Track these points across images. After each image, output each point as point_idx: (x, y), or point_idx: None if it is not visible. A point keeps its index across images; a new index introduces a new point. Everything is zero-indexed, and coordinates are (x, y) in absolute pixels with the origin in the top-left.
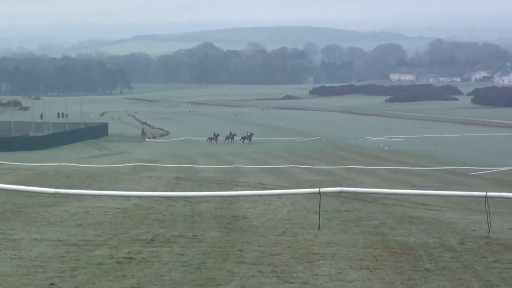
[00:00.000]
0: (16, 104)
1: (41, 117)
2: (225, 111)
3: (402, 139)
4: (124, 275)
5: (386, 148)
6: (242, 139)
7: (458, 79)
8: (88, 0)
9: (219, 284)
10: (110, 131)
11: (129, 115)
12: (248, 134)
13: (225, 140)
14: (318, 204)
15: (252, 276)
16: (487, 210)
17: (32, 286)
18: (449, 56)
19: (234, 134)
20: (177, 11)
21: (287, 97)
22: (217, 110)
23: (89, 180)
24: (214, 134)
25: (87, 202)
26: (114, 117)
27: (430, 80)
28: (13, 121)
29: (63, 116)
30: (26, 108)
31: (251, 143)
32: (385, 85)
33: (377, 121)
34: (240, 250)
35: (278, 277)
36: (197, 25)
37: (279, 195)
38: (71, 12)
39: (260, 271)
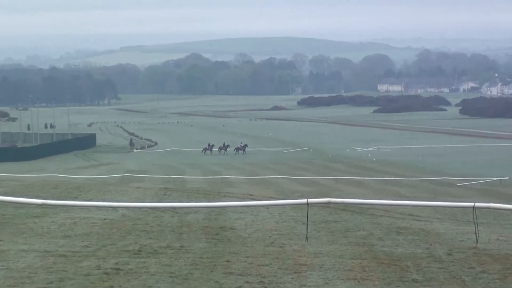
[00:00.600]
0: (4, 115)
1: (28, 128)
2: (213, 121)
3: (390, 150)
4: (112, 286)
5: (374, 159)
6: (235, 150)
7: (446, 90)
8: (76, 11)
9: None
10: (98, 141)
11: (117, 125)
12: (242, 145)
13: (219, 150)
14: (306, 215)
15: (240, 287)
16: (475, 220)
17: None
18: (437, 66)
19: (228, 145)
20: (165, 22)
21: (275, 107)
22: (205, 120)
23: (77, 191)
24: (209, 145)
25: (75, 213)
26: (102, 127)
27: (418, 90)
28: (0, 132)
29: (50, 127)
30: (13, 119)
31: (245, 153)
32: (373, 96)
33: (365, 131)
34: (227, 261)
35: (265, 287)
36: (185, 36)
37: (267, 206)
38: (59, 22)
39: (247, 282)
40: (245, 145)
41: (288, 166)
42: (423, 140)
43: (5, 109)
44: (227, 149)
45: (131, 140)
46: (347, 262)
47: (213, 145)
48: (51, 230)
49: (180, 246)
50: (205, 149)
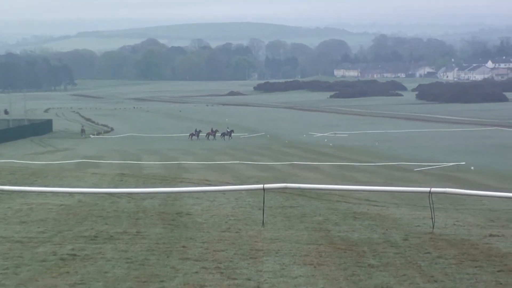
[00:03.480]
0: None
1: None
2: (169, 107)
3: (346, 135)
4: (68, 272)
5: (330, 144)
6: (222, 135)
7: (403, 75)
8: None
9: (162, 281)
10: (54, 127)
11: (73, 111)
12: (228, 131)
13: (207, 136)
14: (262, 200)
15: (196, 272)
16: (431, 206)
17: None
18: (394, 52)
19: (216, 131)
20: (121, 7)
21: (232, 93)
22: (162, 106)
23: (33, 177)
24: (196, 130)
25: (31, 199)
26: (58, 113)
27: (375, 76)
28: None
29: (5, 113)
30: None
31: (231, 138)
32: (330, 81)
33: (322, 117)
34: (184, 247)
35: (221, 273)
36: (141, 21)
37: (223, 192)
38: (15, 8)
39: (203, 268)
40: (231, 131)
41: (245, 151)
42: (379, 125)
43: None
44: (216, 134)
45: (82, 127)
46: (304, 247)
47: (200, 131)
48: (7, 216)
49: (137, 232)
50: (192, 135)
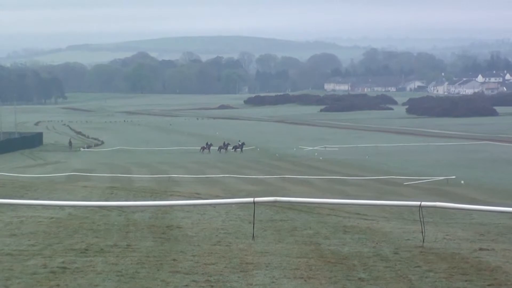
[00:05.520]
0: None
1: None
2: (160, 120)
3: (336, 149)
4: (58, 285)
5: (320, 158)
6: (234, 148)
7: (393, 89)
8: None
9: None
10: (44, 140)
11: (64, 124)
12: (240, 143)
13: (219, 150)
14: (253, 214)
15: (186, 285)
16: (422, 219)
17: None
18: (384, 65)
19: (228, 144)
20: (112, 21)
21: (222, 106)
22: (152, 119)
23: (23, 189)
24: (207, 144)
25: (21, 211)
26: (49, 126)
27: (365, 89)
28: None
29: None
30: None
31: (242, 151)
32: (320, 95)
33: (312, 130)
34: (174, 260)
35: (212, 286)
36: (132, 34)
37: (213, 205)
38: (6, 21)
39: (194, 281)
40: (243, 143)
41: (235, 165)
42: (369, 139)
43: None
44: (227, 148)
45: (70, 140)
46: (294, 261)
47: (211, 144)
48: None
49: (127, 245)
50: (203, 148)
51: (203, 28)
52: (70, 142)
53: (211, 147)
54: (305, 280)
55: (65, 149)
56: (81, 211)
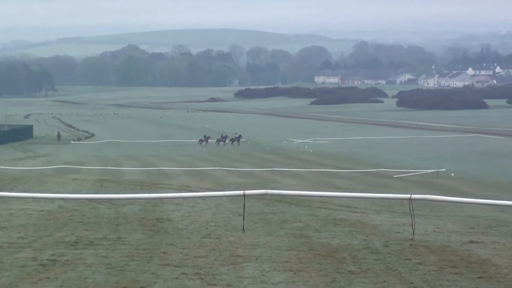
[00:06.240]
0: None
1: None
2: (150, 113)
3: (327, 142)
4: (48, 278)
5: (311, 151)
6: (231, 141)
7: (383, 82)
8: (13, 1)
9: (143, 287)
10: (34, 133)
11: (54, 117)
12: (237, 136)
13: (217, 142)
14: (243, 207)
15: (176, 278)
16: (412, 212)
17: None
18: (374, 58)
19: (226, 136)
20: (102, 13)
21: (212, 99)
22: (142, 112)
23: (13, 182)
24: (204, 136)
25: (11, 204)
26: (39, 119)
27: (355, 82)
28: None
29: None
30: None
31: (239, 144)
32: (310, 88)
33: (302, 123)
34: (164, 253)
35: (202, 279)
36: (122, 27)
37: (203, 198)
38: None
39: (184, 273)
40: (239, 136)
41: (225, 157)
42: (360, 132)
43: None
44: (226, 140)
45: (58, 132)
46: (284, 253)
47: (209, 137)
48: None
49: (117, 238)
50: (201, 140)
51: (193, 21)
52: (58, 135)
53: (209, 140)
54: (295, 273)
55: (55, 142)
56: (71, 203)
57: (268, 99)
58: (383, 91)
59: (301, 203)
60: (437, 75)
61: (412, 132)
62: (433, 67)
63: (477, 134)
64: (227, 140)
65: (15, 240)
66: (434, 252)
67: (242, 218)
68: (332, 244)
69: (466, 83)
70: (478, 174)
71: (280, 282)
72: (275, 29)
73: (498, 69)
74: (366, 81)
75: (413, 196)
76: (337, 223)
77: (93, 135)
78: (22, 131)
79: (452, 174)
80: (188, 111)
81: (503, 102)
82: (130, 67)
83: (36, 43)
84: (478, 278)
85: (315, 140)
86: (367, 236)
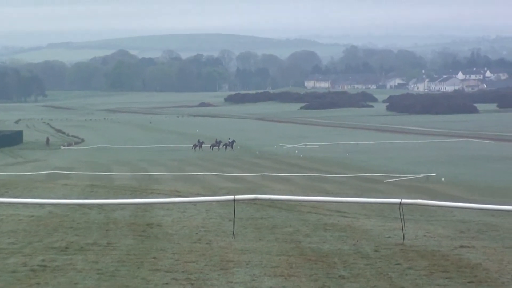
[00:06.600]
0: None
1: None
2: (140, 118)
3: (317, 146)
4: (38, 283)
5: (301, 155)
6: (224, 146)
7: (373, 86)
8: (2, 7)
9: None
10: (24, 138)
11: (44, 122)
12: (230, 141)
13: (211, 147)
14: (233, 212)
15: (167, 283)
16: (402, 217)
17: None
18: (364, 63)
19: (220, 141)
20: (92, 19)
21: (202, 104)
22: (132, 117)
23: (3, 188)
24: (198, 141)
25: (1, 210)
26: (29, 124)
27: (345, 87)
28: None
29: None
30: None
31: (232, 149)
32: (300, 92)
33: (292, 128)
34: (154, 258)
35: (192, 284)
36: (112, 32)
37: (194, 203)
38: None
39: (174, 279)
40: (233, 141)
41: (215, 162)
42: (350, 136)
43: None
44: (220, 145)
45: (47, 138)
46: (274, 258)
47: (202, 142)
48: None
49: (107, 243)
50: (195, 146)
51: (183, 26)
52: (47, 140)
53: (203, 145)
54: (285, 278)
55: (45, 147)
56: (61, 209)
57: (258, 104)
58: (373, 95)
59: (291, 208)
60: (427, 80)
61: (402, 137)
62: (423, 71)
63: (467, 139)
64: (221, 145)
65: (5, 246)
66: (424, 256)
67: (233, 223)
68: (323, 249)
69: (456, 87)
70: (468, 179)
71: (271, 287)
72: (265, 34)
73: (488, 74)
74: (356, 85)
75: (404, 200)
76: (327, 228)
77: (83, 140)
78: (12, 136)
79: (443, 179)
80: (178, 116)
81: (493, 106)
82: (120, 72)
83: (26, 48)
84: (469, 282)
85: (305, 145)
86: (357, 241)
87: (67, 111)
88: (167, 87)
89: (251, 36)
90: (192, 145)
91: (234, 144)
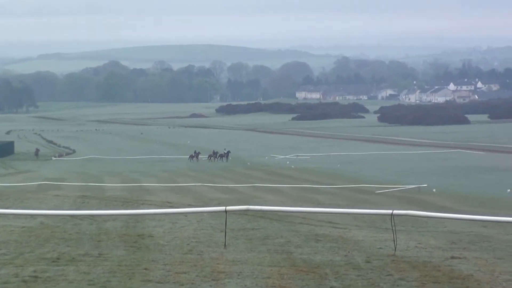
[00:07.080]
0: None
1: None
2: (131, 129)
3: (308, 157)
4: None
5: (292, 166)
6: (219, 157)
7: (365, 97)
8: None
9: None
10: (16, 149)
11: (35, 133)
12: (225, 152)
13: (208, 158)
14: (224, 223)
15: None
16: (393, 228)
17: None
18: (356, 74)
19: (217, 152)
20: (83, 30)
21: (194, 115)
22: (124, 128)
23: None
24: (195, 152)
25: None
26: (20, 135)
27: (337, 98)
28: None
29: None
30: None
31: (227, 160)
32: (292, 103)
33: (284, 139)
34: (146, 269)
35: None
36: (103, 43)
37: (185, 214)
38: None
39: None
40: (228, 152)
41: (207, 173)
42: (341, 147)
43: None
44: (217, 156)
45: (36, 149)
46: (266, 269)
47: (199, 153)
48: None
49: (99, 254)
50: (191, 156)
51: (174, 37)
52: (36, 151)
53: (199, 156)
54: None
55: (36, 158)
56: (52, 220)
57: (249, 115)
58: (364, 106)
59: (283, 219)
60: (418, 91)
61: (393, 148)
62: (414, 82)
63: (459, 150)
64: (218, 156)
65: None
66: (416, 267)
67: (224, 234)
68: (314, 260)
69: (448, 98)
70: (459, 190)
71: None
72: (256, 45)
73: (479, 85)
74: (347, 96)
75: (395, 211)
76: (319, 239)
77: (74, 151)
78: (3, 147)
79: (434, 190)
80: (169, 127)
81: (484, 117)
82: (112, 83)
83: (17, 59)
84: None
85: (297, 156)
86: (349, 251)
87: (58, 122)
88: (158, 98)
89: (242, 47)
90: (188, 156)
91: (229, 155)
